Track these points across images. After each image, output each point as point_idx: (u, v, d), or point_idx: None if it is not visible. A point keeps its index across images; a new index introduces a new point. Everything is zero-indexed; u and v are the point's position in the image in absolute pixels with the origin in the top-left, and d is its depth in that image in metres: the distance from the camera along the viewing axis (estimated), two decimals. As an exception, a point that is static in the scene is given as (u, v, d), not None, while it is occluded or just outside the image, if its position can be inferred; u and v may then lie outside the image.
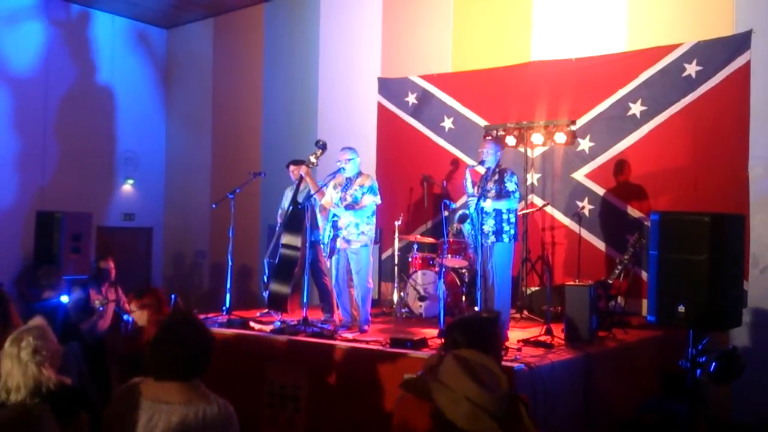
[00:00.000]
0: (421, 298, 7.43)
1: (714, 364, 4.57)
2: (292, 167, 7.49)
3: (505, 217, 6.19)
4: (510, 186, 6.19)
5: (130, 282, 9.44)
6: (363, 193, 6.49)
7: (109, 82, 11.28)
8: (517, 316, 7.43)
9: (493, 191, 6.20)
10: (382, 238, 8.49)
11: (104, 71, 11.23)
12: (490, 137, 7.87)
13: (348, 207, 6.48)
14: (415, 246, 8.03)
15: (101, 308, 7.22)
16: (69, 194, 10.19)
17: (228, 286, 7.16)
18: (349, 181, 6.57)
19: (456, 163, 8.70)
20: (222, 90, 11.42)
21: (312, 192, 6.64)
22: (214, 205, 8.20)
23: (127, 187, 11.58)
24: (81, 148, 10.81)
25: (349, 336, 6.07)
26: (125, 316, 7.43)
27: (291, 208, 6.63)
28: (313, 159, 6.59)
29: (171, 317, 2.97)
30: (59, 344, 3.49)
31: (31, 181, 10.23)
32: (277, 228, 7.24)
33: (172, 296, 7.00)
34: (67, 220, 8.44)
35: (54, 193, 10.21)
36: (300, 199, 6.79)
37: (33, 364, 3.22)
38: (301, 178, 6.78)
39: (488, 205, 6.14)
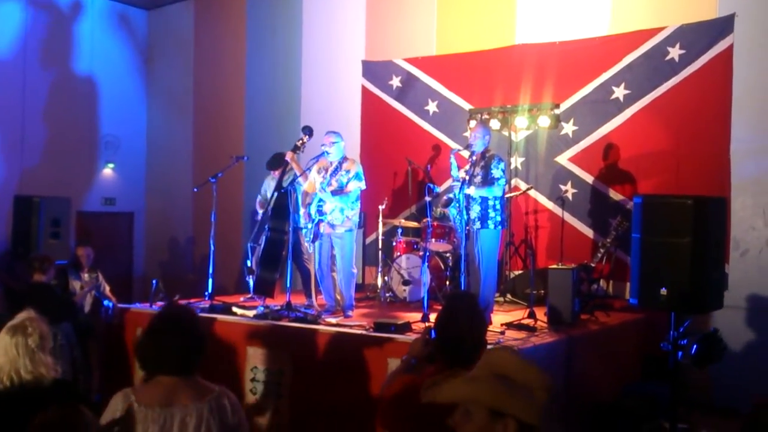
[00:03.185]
0: (405, 283, 7.42)
1: (695, 346, 4.61)
2: (273, 173, 7.47)
3: (491, 203, 6.17)
4: (496, 173, 6.16)
5: (111, 268, 9.39)
6: (349, 180, 6.45)
7: (89, 64, 11.11)
8: (501, 299, 7.45)
9: (479, 177, 6.17)
10: (366, 223, 8.46)
11: (84, 53, 11.06)
12: (478, 121, 7.85)
13: (334, 192, 6.44)
14: (399, 230, 8.02)
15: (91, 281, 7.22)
16: (49, 179, 10.05)
17: (210, 271, 7.11)
18: (338, 167, 6.51)
19: (440, 146, 8.67)
20: (204, 72, 11.29)
21: (298, 174, 6.62)
22: (195, 189, 8.13)
23: (108, 171, 11.45)
24: (61, 132, 10.66)
25: (333, 321, 6.05)
26: (105, 302, 7.41)
27: (275, 193, 6.59)
28: (299, 144, 6.54)
29: (166, 310, 2.86)
30: (52, 323, 3.49)
31: (10, 165, 10.08)
32: (261, 213, 7.20)
33: (154, 282, 6.98)
34: (46, 204, 8.33)
35: (33, 178, 10.07)
36: (285, 184, 6.75)
37: (40, 351, 3.23)
38: (286, 164, 6.74)
39: (472, 191, 6.12)
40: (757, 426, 3.86)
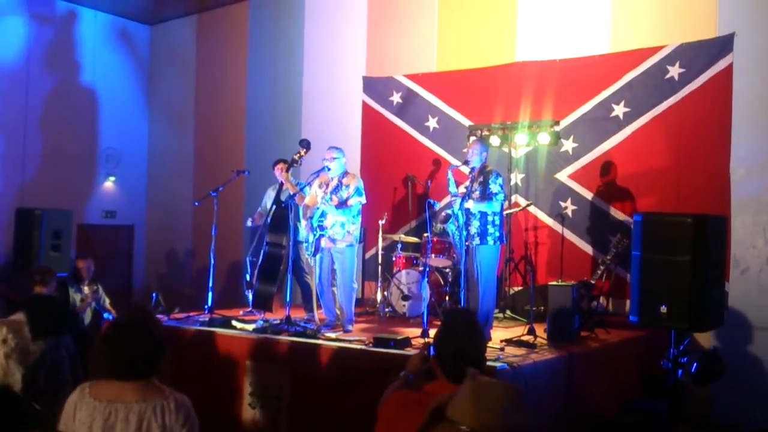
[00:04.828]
0: (405, 298, 7.42)
1: (695, 364, 4.61)
2: (280, 164, 7.44)
3: (490, 218, 6.17)
4: (494, 188, 6.17)
5: (111, 280, 9.39)
6: (350, 196, 6.47)
7: (91, 78, 11.17)
8: (500, 315, 7.44)
9: (478, 192, 6.19)
10: (366, 238, 8.47)
11: (86, 67, 11.12)
12: (476, 137, 7.87)
13: (337, 207, 6.46)
14: (399, 245, 8.02)
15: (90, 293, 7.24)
16: (50, 191, 10.08)
17: (210, 284, 7.11)
18: (339, 184, 6.52)
19: (440, 162, 8.69)
20: (205, 87, 11.34)
21: (292, 193, 6.63)
22: (196, 203, 8.15)
23: (109, 184, 11.48)
24: (62, 145, 10.70)
25: (332, 335, 6.04)
26: (105, 314, 7.41)
27: (274, 206, 6.61)
28: (296, 158, 6.58)
29: (126, 316, 2.94)
30: (53, 335, 3.48)
31: (11, 177, 10.11)
32: (260, 227, 7.21)
33: (153, 295, 6.99)
34: (47, 217, 8.35)
35: (35, 190, 10.09)
36: (283, 198, 6.77)
37: (5, 358, 3.22)
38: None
39: (471, 205, 6.13)
40: None
